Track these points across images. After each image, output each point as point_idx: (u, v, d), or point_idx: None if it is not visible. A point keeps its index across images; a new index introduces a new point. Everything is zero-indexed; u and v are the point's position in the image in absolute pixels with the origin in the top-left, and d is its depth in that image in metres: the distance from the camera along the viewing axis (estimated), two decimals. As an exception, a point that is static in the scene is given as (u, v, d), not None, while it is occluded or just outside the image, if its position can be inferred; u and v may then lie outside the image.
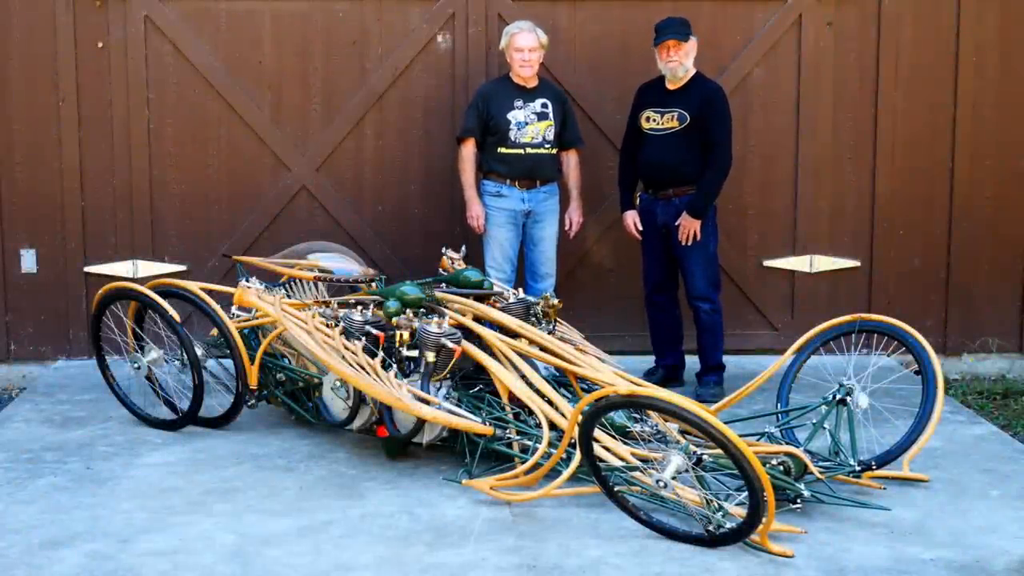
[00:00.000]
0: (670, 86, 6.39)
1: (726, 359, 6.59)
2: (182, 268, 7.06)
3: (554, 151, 6.62)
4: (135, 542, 4.51)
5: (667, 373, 6.64)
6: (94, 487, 5.09)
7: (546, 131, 6.56)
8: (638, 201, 6.58)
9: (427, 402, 5.05)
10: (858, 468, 4.99)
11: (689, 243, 6.34)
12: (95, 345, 6.13)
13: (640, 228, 6.51)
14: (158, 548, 4.45)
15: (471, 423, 5.02)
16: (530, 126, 6.52)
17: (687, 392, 6.23)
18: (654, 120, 6.39)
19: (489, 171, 6.61)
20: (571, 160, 6.73)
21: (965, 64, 7.12)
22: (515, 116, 6.50)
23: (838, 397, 5.06)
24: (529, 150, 6.53)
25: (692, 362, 6.68)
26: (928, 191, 7.24)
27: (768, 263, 7.28)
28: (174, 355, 5.99)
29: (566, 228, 6.75)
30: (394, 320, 5.37)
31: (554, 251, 6.72)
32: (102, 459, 5.45)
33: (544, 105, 6.56)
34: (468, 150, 6.61)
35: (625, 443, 4.89)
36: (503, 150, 6.53)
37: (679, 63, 6.30)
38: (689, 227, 6.32)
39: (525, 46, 6.46)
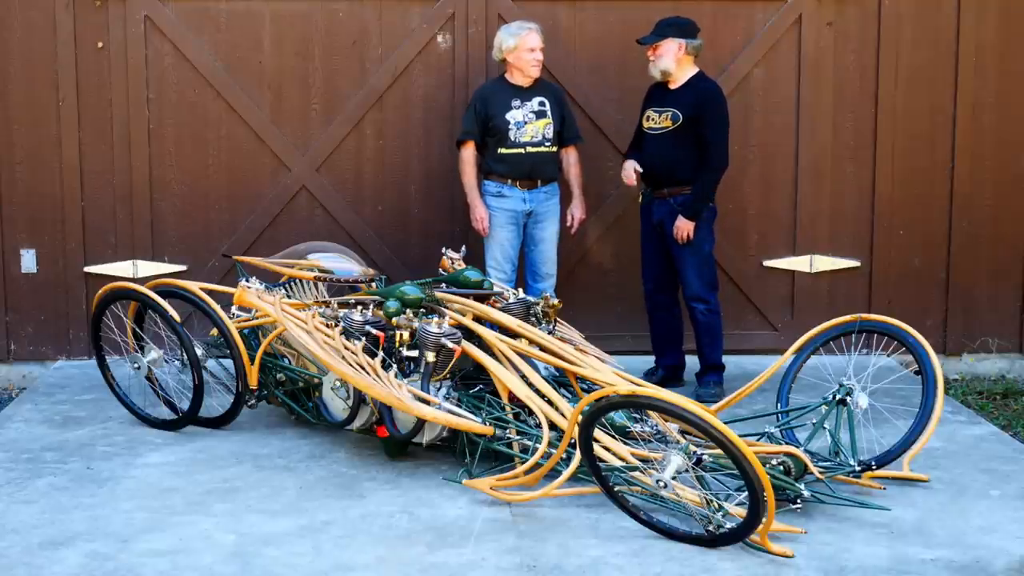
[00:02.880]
0: (671, 85, 6.40)
1: (726, 359, 6.59)
2: (182, 268, 7.05)
3: (554, 149, 6.63)
4: (135, 542, 4.51)
5: (667, 373, 6.64)
6: (94, 487, 5.09)
7: (545, 129, 6.56)
8: (640, 199, 6.59)
9: (427, 402, 5.05)
10: (858, 468, 4.99)
11: (683, 243, 6.34)
12: (95, 345, 6.13)
13: (639, 170, 6.40)
14: (158, 548, 4.45)
15: (471, 423, 5.02)
16: (529, 125, 6.52)
17: (687, 392, 6.23)
18: (653, 119, 6.40)
19: (490, 172, 6.62)
20: (571, 156, 6.73)
21: (965, 64, 7.12)
22: (514, 116, 6.51)
23: (838, 397, 5.06)
24: (529, 149, 6.54)
25: (693, 362, 6.68)
26: (928, 191, 7.24)
27: (768, 263, 7.28)
28: (174, 355, 6.00)
29: (568, 224, 6.75)
30: (394, 320, 5.36)
31: (555, 251, 6.72)
32: (102, 459, 5.45)
33: (542, 103, 6.57)
34: (468, 153, 6.61)
35: (625, 443, 4.89)
36: (503, 150, 6.54)
37: (653, 63, 6.35)
38: (683, 228, 6.30)
39: (537, 45, 6.50)
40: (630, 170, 6.40)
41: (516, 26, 6.55)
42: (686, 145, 6.30)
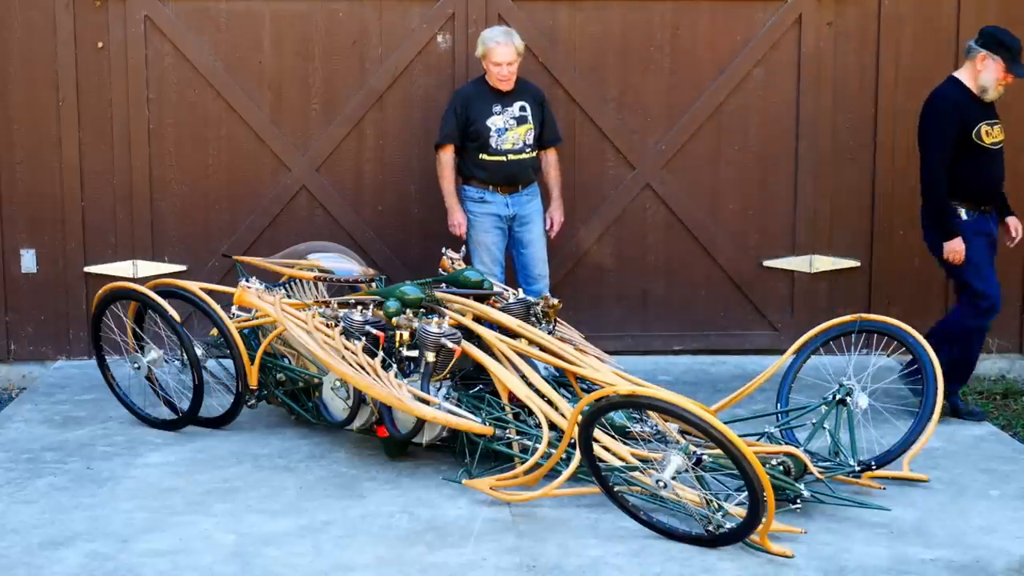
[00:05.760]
0: (986, 98, 6.11)
1: (726, 359, 6.61)
2: (182, 268, 7.05)
3: (534, 154, 6.57)
4: (135, 542, 4.51)
5: None
6: (94, 487, 5.09)
7: (526, 135, 6.50)
8: (965, 217, 6.14)
9: (427, 402, 5.05)
10: (858, 468, 5.00)
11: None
12: (95, 345, 6.13)
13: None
14: (158, 548, 4.46)
15: (471, 423, 5.02)
16: (510, 132, 6.46)
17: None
18: (993, 134, 6.12)
19: (471, 177, 6.54)
20: (550, 159, 6.67)
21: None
22: (495, 122, 6.44)
23: (838, 397, 5.06)
24: (511, 156, 6.48)
25: (694, 361, 6.67)
26: (928, 191, 7.23)
27: (768, 263, 7.27)
28: (174, 355, 6.00)
29: (547, 228, 6.70)
30: (394, 320, 5.36)
31: (544, 251, 6.68)
32: (102, 459, 5.45)
33: (523, 108, 6.50)
34: (448, 156, 6.53)
35: (625, 443, 4.89)
36: (485, 157, 6.47)
37: (1003, 86, 6.09)
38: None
39: (503, 61, 6.34)
40: (961, 249, 6.06)
41: (490, 36, 6.39)
42: None
